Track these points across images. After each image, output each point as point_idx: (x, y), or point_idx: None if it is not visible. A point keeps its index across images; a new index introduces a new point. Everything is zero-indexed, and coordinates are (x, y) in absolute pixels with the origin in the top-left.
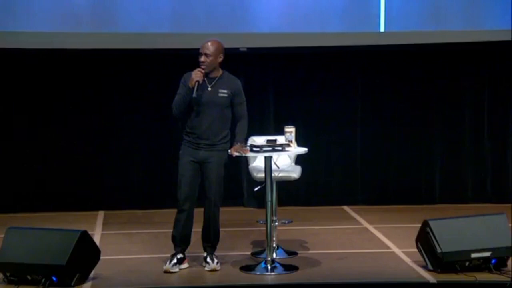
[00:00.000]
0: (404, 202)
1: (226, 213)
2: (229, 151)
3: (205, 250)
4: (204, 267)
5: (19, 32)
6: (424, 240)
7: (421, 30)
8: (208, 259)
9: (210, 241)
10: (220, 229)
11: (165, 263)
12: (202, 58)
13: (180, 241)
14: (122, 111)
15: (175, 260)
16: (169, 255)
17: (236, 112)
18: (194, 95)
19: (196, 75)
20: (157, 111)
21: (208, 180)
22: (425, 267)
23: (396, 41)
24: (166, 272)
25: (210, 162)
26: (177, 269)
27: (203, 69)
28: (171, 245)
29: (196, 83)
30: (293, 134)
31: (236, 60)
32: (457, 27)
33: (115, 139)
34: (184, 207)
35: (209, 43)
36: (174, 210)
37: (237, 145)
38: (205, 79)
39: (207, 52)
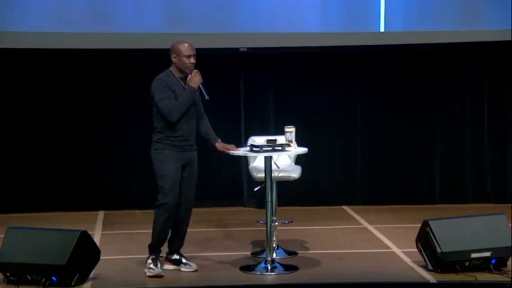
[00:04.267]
0: (404, 202)
1: (226, 213)
2: (230, 152)
3: (175, 252)
4: (179, 268)
5: (18, 32)
6: (424, 240)
7: (421, 30)
8: (185, 261)
9: (183, 242)
10: (219, 229)
11: (152, 269)
12: (194, 60)
13: (163, 243)
14: (122, 111)
15: (159, 264)
16: (162, 256)
17: (199, 110)
18: (207, 97)
19: (199, 77)
20: None
21: (190, 181)
22: (425, 267)
23: (396, 41)
24: (157, 276)
25: (194, 162)
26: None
27: (192, 70)
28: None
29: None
30: (293, 134)
31: (236, 60)
32: (457, 27)
33: (115, 139)
34: (173, 211)
35: (192, 45)
36: None
37: (225, 144)
38: (182, 81)
39: (195, 53)
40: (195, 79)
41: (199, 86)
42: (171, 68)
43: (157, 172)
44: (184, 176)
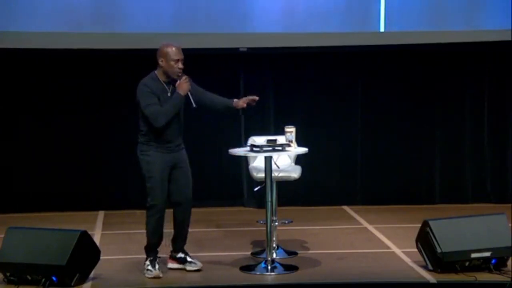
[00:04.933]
0: (404, 202)
1: (226, 213)
2: (230, 151)
3: (179, 251)
4: (185, 267)
5: (19, 32)
6: (424, 240)
7: (421, 30)
8: (189, 259)
9: (186, 241)
10: (219, 229)
11: (150, 270)
12: (182, 65)
13: (159, 244)
14: (122, 111)
15: (157, 265)
16: (167, 255)
17: (203, 93)
18: (194, 105)
19: (187, 84)
20: None
21: (185, 180)
22: (425, 267)
23: (396, 41)
24: (156, 277)
25: (183, 161)
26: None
27: (180, 76)
28: (169, 244)
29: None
30: (293, 134)
31: (236, 60)
32: (457, 27)
33: (115, 139)
34: (163, 212)
35: (180, 48)
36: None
37: (242, 99)
38: (166, 86)
39: (183, 57)
40: (183, 86)
41: (187, 93)
42: (156, 72)
43: (145, 173)
44: (176, 176)
